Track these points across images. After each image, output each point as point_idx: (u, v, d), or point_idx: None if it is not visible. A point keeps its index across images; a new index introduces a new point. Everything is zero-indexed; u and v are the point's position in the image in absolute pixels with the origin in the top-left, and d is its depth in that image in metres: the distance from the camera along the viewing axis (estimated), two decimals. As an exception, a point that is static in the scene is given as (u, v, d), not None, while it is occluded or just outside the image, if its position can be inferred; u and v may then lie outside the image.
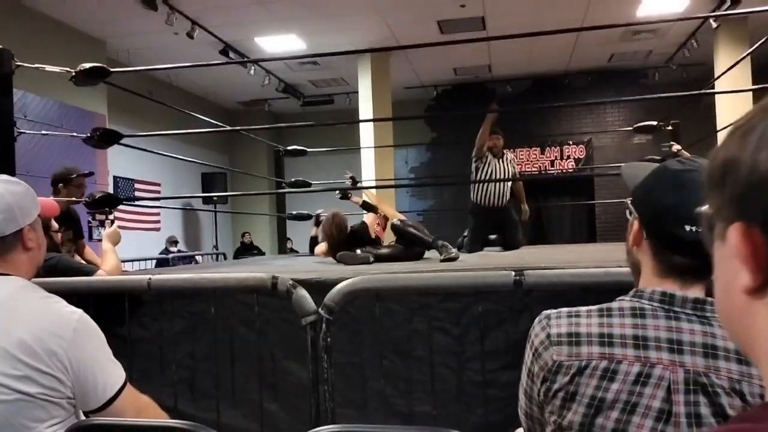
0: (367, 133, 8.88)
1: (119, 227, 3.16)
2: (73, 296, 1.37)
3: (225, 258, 9.95)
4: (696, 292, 1.00)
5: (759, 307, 0.47)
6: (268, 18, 7.63)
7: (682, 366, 0.93)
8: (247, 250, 10.84)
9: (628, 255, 1.11)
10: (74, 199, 3.52)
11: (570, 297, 1.31)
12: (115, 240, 3.02)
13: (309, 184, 5.74)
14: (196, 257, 9.57)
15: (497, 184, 4.90)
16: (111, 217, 3.34)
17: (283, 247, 8.53)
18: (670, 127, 5.72)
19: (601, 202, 10.23)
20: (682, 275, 0.99)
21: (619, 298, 1.03)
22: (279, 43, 8.49)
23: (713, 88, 6.20)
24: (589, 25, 7.62)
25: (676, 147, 4.94)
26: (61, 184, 3.61)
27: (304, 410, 2.15)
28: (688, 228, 0.95)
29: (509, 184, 4.98)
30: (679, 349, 0.94)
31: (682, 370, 0.93)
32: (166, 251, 9.35)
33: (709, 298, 0.99)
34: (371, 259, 3.58)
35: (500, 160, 5.02)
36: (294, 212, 5.91)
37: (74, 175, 3.62)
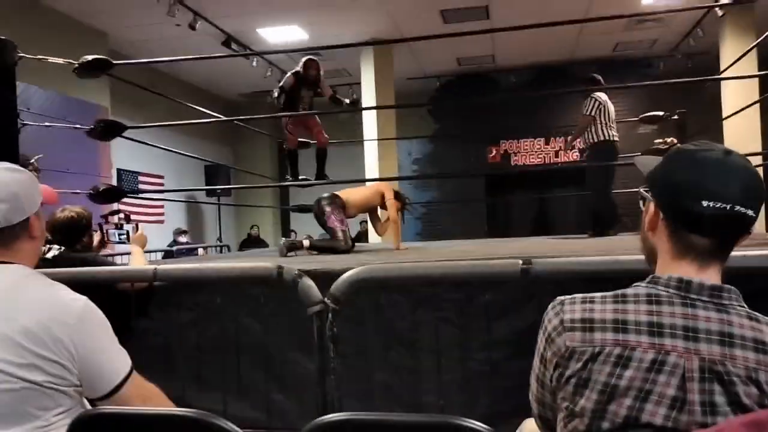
0: (370, 126, 8.86)
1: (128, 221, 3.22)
2: (77, 286, 1.36)
3: (229, 250, 9.93)
4: (712, 275, 0.99)
5: None
6: (270, 9, 7.60)
7: (697, 354, 0.91)
8: (253, 242, 10.87)
9: (644, 242, 1.09)
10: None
11: (576, 286, 1.29)
12: (142, 243, 3.07)
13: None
14: (198, 250, 9.55)
15: None
16: (132, 224, 3.38)
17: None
18: (676, 117, 5.67)
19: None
20: (700, 255, 0.98)
21: (635, 284, 1.02)
22: (281, 34, 8.44)
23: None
24: (594, 13, 7.62)
25: (670, 140, 4.98)
26: None
27: (310, 400, 2.14)
28: (705, 203, 0.94)
29: None
30: (694, 337, 0.93)
31: (698, 358, 0.91)
32: (174, 242, 9.35)
33: (726, 285, 0.97)
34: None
35: None
36: (297, 204, 5.89)
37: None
